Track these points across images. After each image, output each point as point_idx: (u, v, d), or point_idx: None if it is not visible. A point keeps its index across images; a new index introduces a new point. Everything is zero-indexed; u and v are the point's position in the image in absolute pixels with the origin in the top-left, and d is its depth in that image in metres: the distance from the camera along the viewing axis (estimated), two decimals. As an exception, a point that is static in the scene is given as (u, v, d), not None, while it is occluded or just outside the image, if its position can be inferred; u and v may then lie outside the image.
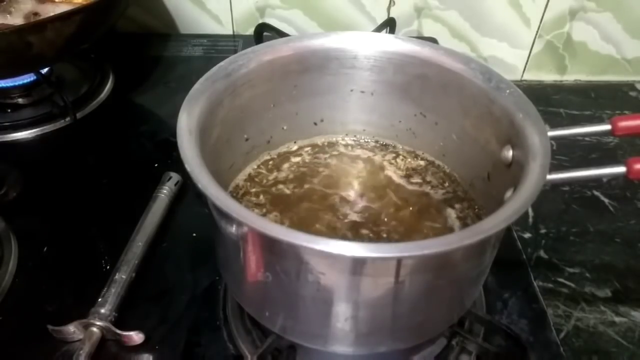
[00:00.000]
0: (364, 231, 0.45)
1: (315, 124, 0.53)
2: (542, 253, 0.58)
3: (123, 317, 0.48)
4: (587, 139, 0.74)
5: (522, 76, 0.91)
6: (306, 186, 0.49)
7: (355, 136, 0.54)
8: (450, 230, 0.46)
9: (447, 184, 0.50)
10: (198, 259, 0.54)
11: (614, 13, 0.83)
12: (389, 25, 0.80)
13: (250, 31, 0.83)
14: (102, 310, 0.46)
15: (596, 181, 0.67)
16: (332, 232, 0.45)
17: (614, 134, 0.42)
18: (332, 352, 0.40)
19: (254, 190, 0.49)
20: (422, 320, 0.39)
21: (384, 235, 0.45)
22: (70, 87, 0.76)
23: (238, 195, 0.48)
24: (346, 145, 0.54)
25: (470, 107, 0.46)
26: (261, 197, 0.48)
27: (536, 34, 0.86)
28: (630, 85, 0.88)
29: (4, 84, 0.71)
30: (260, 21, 0.84)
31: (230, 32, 0.90)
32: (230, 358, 0.46)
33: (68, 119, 0.70)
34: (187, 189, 0.60)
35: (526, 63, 0.89)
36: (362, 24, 0.87)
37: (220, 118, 0.43)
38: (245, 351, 0.46)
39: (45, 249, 0.55)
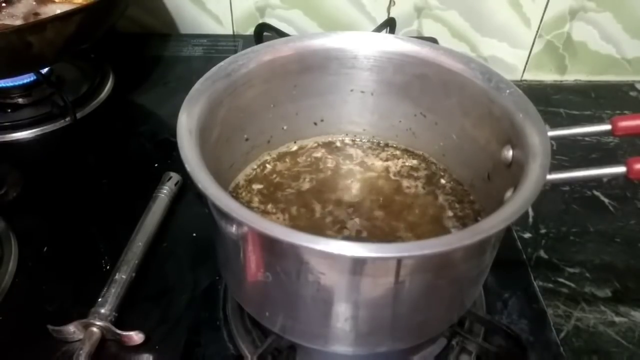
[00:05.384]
0: (364, 231, 0.45)
1: (315, 124, 0.53)
2: (542, 253, 0.58)
3: (123, 317, 0.48)
4: (587, 139, 0.74)
5: (522, 76, 0.91)
6: (306, 186, 0.49)
7: (355, 136, 0.54)
8: (450, 230, 0.46)
9: (446, 184, 0.50)
10: (198, 259, 0.54)
11: (614, 13, 0.83)
12: (389, 25, 0.80)
13: (250, 31, 0.83)
14: (102, 310, 0.46)
15: (596, 181, 0.67)
16: (332, 232, 0.45)
17: (614, 134, 0.42)
18: (332, 352, 0.41)
19: (254, 190, 0.49)
20: (422, 320, 0.39)
21: (384, 235, 0.45)
22: (70, 87, 0.76)
23: (238, 195, 0.48)
24: (346, 145, 0.54)
25: (470, 107, 0.46)
26: (261, 197, 0.48)
27: (536, 34, 0.86)
28: (630, 85, 0.88)
29: (4, 84, 0.71)
30: (260, 21, 0.84)
31: (230, 32, 0.90)
32: (230, 358, 0.46)
33: (68, 119, 0.70)
34: (187, 189, 0.60)
35: (526, 63, 0.89)
36: (362, 24, 0.87)
37: (220, 118, 0.43)
38: (245, 351, 0.46)
39: (45, 249, 0.55)
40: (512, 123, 0.41)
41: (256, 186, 0.49)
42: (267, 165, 0.51)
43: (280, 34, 0.77)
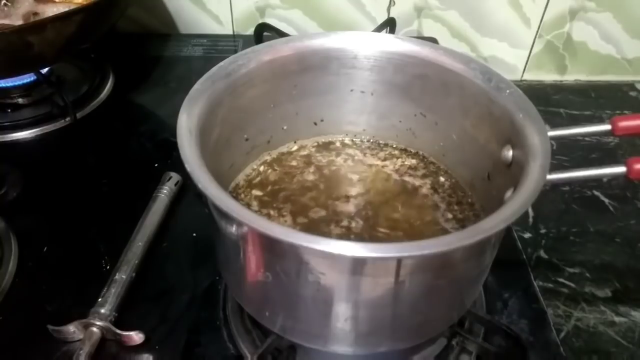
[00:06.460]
0: (364, 231, 0.45)
1: (315, 124, 0.53)
2: (542, 253, 0.58)
3: (123, 317, 0.48)
4: (587, 139, 0.74)
5: (522, 76, 0.91)
6: (306, 186, 0.49)
7: (355, 136, 0.54)
8: (449, 230, 0.46)
9: (447, 184, 0.50)
10: (198, 259, 0.54)
11: (614, 13, 0.83)
12: (389, 25, 0.80)
13: (250, 31, 0.83)
14: (102, 310, 0.46)
15: (596, 181, 0.67)
16: (332, 232, 0.45)
17: (614, 134, 0.42)
18: (332, 352, 0.40)
19: (254, 190, 0.49)
20: (422, 320, 0.39)
21: (384, 235, 0.45)
22: (70, 87, 0.76)
23: (238, 195, 0.48)
24: (346, 145, 0.54)
25: (470, 107, 0.46)
26: (261, 197, 0.48)
27: (536, 34, 0.86)
28: (630, 85, 0.88)
29: (4, 84, 0.71)
30: (260, 21, 0.84)
31: (230, 32, 0.90)
32: (230, 358, 0.46)
33: (68, 119, 0.70)
34: (187, 189, 0.60)
35: (526, 63, 0.89)
36: (362, 24, 0.87)
37: (220, 118, 0.43)
38: (245, 351, 0.46)
39: (45, 249, 0.55)
40: (512, 123, 0.41)
41: (256, 186, 0.49)
42: (267, 165, 0.51)
43: (280, 34, 0.77)
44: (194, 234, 0.57)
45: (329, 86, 0.50)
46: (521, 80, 0.91)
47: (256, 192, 0.49)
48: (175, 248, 0.55)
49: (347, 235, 0.45)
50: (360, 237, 0.45)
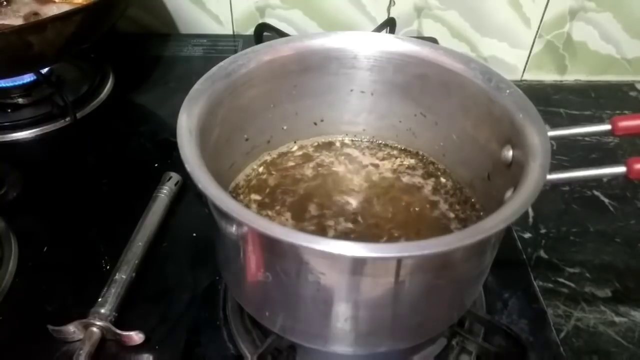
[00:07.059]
0: (365, 231, 0.45)
1: (315, 124, 0.53)
2: (542, 253, 0.58)
3: (123, 317, 0.48)
4: (587, 139, 0.74)
5: (522, 76, 0.91)
6: (306, 186, 0.49)
7: (355, 136, 0.54)
8: (450, 230, 0.46)
9: (448, 184, 0.50)
10: (198, 259, 0.54)
11: (614, 13, 0.83)
12: (389, 25, 0.80)
13: (250, 31, 0.83)
14: (102, 310, 0.46)
15: (596, 181, 0.67)
16: (332, 232, 0.45)
17: (614, 134, 0.42)
18: (332, 352, 0.40)
19: (254, 190, 0.49)
20: (422, 320, 0.39)
21: (384, 235, 0.45)
22: (70, 87, 0.76)
23: (238, 195, 0.48)
24: (346, 145, 0.54)
25: (470, 107, 0.46)
26: (261, 197, 0.48)
27: (536, 34, 0.86)
28: (630, 85, 0.88)
29: (4, 84, 0.71)
30: (260, 21, 0.84)
31: (230, 32, 0.90)
32: (230, 358, 0.46)
33: (68, 119, 0.70)
34: (187, 189, 0.60)
35: (526, 63, 0.89)
36: (362, 24, 0.87)
37: (220, 118, 0.43)
38: (245, 351, 0.46)
39: (45, 249, 0.55)
40: (512, 123, 0.41)
41: (256, 186, 0.49)
42: (267, 165, 0.51)
43: (280, 34, 0.77)
44: (194, 234, 0.57)
45: (328, 86, 0.50)
46: (521, 80, 0.91)
47: (256, 192, 0.49)
48: (175, 248, 0.55)
49: (347, 235, 0.45)
50: (360, 237, 0.45)
